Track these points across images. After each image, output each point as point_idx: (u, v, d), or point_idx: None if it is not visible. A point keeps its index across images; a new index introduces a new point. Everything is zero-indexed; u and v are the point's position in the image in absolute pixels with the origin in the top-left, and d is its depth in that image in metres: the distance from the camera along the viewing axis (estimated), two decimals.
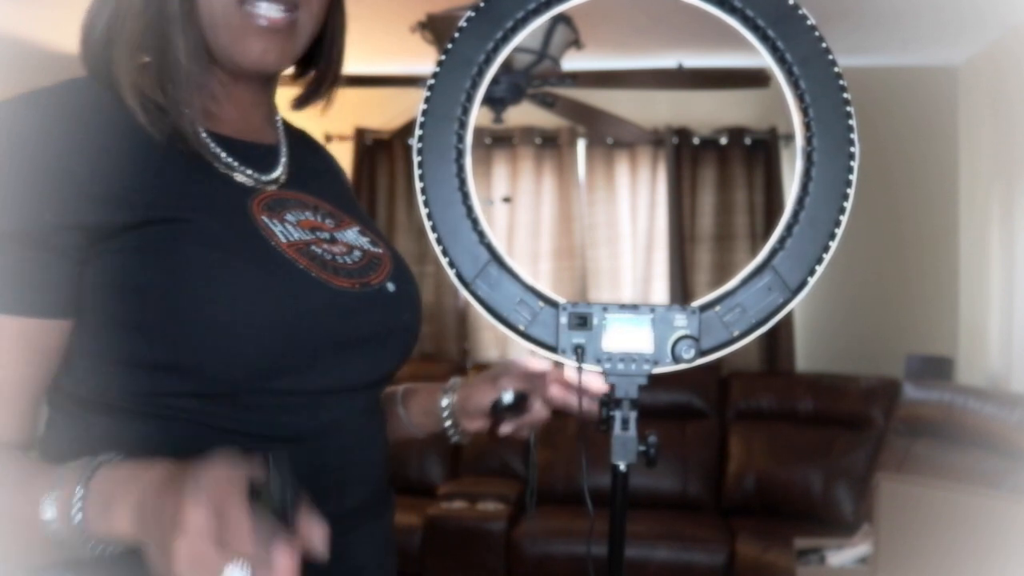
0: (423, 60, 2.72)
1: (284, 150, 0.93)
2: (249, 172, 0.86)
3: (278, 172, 0.90)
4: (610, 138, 4.38)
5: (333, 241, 0.88)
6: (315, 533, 0.58)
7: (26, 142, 0.74)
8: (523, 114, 3.68)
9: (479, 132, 4.30)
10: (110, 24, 0.82)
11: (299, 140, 0.99)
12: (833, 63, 0.79)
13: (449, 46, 0.82)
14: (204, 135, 0.84)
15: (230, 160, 0.85)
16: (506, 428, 0.98)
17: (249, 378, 0.76)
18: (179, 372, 0.75)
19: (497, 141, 4.48)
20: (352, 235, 0.92)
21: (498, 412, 0.96)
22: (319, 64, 0.95)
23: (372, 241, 0.94)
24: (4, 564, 0.72)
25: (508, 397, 0.94)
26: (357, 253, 0.89)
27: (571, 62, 2.98)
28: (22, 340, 0.73)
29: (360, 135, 4.54)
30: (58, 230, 0.73)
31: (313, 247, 0.85)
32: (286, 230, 0.83)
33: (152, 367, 0.75)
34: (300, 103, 0.96)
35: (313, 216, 0.89)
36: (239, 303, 0.76)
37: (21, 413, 0.75)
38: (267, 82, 0.92)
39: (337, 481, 0.83)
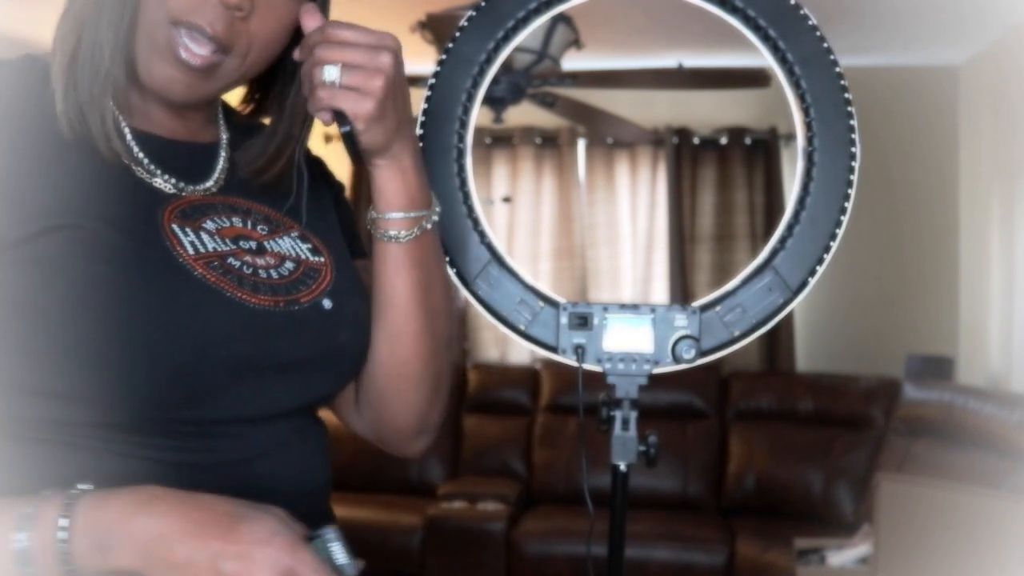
0: (423, 60, 2.71)
1: (223, 152, 0.83)
2: (170, 178, 0.77)
3: (211, 179, 0.80)
4: (610, 138, 4.38)
5: (259, 251, 0.78)
6: None
7: None
8: (523, 114, 3.68)
9: (479, 132, 4.29)
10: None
11: (239, 129, 0.86)
12: (834, 63, 0.79)
13: (449, 46, 0.82)
14: (128, 135, 0.76)
15: (151, 165, 0.76)
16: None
17: (151, 407, 0.69)
18: (74, 400, 0.67)
19: (497, 141, 4.48)
20: (288, 243, 0.81)
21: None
22: (271, 112, 0.83)
23: (313, 249, 0.82)
24: None
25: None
26: (289, 265, 0.79)
27: (571, 62, 2.97)
28: None
29: None
30: None
31: (231, 259, 0.75)
32: (198, 240, 0.74)
33: (44, 394, 0.67)
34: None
35: (242, 223, 0.79)
36: (135, 325, 0.67)
37: None
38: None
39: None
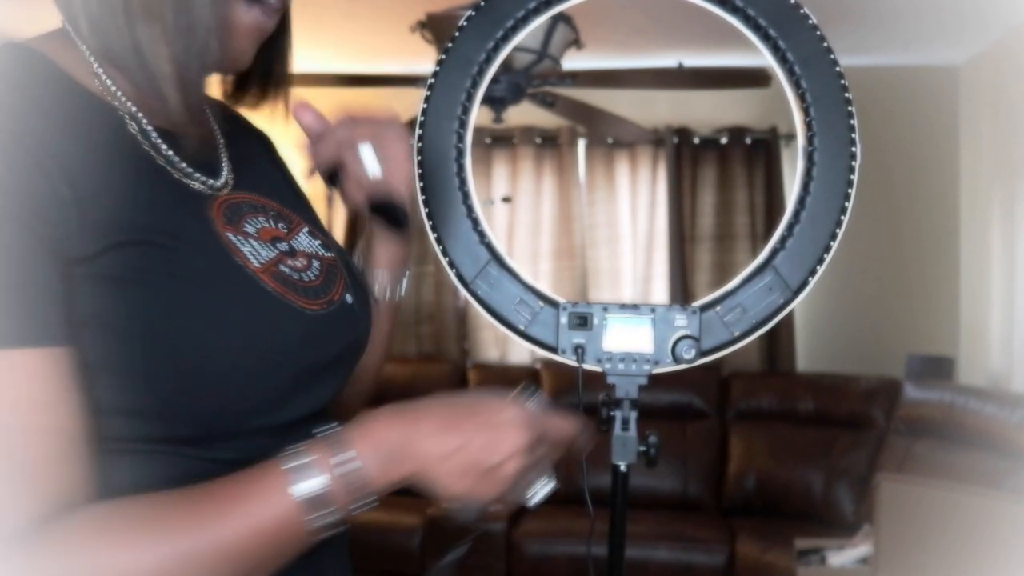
0: (423, 60, 2.72)
1: (222, 141, 0.82)
2: (201, 176, 0.76)
3: (224, 174, 0.79)
4: (610, 138, 4.38)
5: (293, 253, 0.79)
6: None
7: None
8: (523, 114, 3.68)
9: (479, 132, 4.29)
10: None
11: (229, 121, 0.87)
12: (835, 63, 0.78)
13: (449, 45, 0.82)
14: (153, 133, 0.73)
15: (182, 163, 0.74)
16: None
17: (225, 419, 0.69)
18: (146, 417, 0.66)
19: (497, 141, 4.48)
20: (305, 241, 0.82)
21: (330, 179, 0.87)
22: (268, 64, 0.83)
23: (323, 244, 0.84)
24: None
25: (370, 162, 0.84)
26: (315, 264, 0.80)
27: (571, 62, 2.97)
28: (57, 372, 0.61)
29: None
30: (43, 239, 0.61)
31: (281, 266, 0.76)
32: (254, 249, 0.74)
33: (111, 411, 0.65)
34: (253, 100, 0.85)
35: (268, 222, 0.80)
36: (219, 343, 0.67)
37: (89, 461, 0.63)
38: None
39: None
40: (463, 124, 0.82)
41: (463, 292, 0.82)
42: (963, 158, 4.09)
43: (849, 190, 0.78)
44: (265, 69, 0.82)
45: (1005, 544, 1.91)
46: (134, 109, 0.72)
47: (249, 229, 0.76)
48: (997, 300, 3.69)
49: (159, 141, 0.73)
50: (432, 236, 0.83)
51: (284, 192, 0.87)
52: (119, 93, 0.71)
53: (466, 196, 0.82)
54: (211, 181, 0.76)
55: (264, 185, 0.84)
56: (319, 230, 0.86)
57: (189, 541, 0.62)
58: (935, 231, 4.16)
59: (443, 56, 0.82)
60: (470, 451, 0.70)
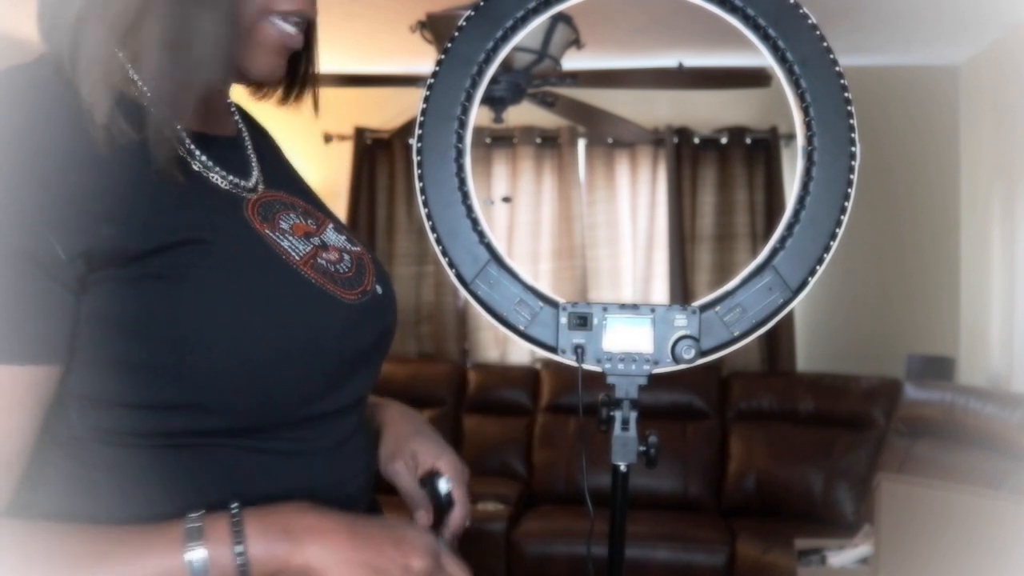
0: (423, 60, 2.72)
1: (249, 143, 0.85)
2: (233, 179, 0.78)
3: (253, 174, 0.81)
4: (610, 138, 4.38)
5: (325, 247, 0.81)
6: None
7: (8, 144, 0.62)
8: (523, 114, 3.68)
9: (479, 132, 4.29)
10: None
11: (250, 125, 0.89)
12: (834, 62, 0.78)
13: (449, 45, 0.82)
14: (187, 139, 0.75)
15: (215, 166, 0.76)
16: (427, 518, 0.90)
17: (278, 410, 0.72)
18: (203, 411, 0.68)
19: (497, 141, 4.48)
20: (333, 236, 0.85)
21: (438, 499, 0.90)
22: (294, 65, 0.85)
23: (348, 239, 0.87)
24: None
25: (444, 487, 0.89)
26: (347, 258, 0.83)
27: (571, 62, 2.97)
28: (22, 392, 0.62)
29: (360, 135, 4.53)
30: (60, 255, 0.62)
31: (318, 258, 0.78)
32: (292, 244, 0.77)
33: (164, 407, 0.67)
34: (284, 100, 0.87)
35: (298, 218, 0.82)
36: (269, 334, 0.69)
37: (17, 477, 0.65)
38: None
39: (349, 495, 0.80)
40: (463, 124, 0.82)
41: (463, 292, 0.81)
42: (963, 158, 4.09)
43: (849, 190, 0.78)
44: (291, 70, 0.84)
45: (1005, 544, 1.91)
46: (168, 113, 0.72)
47: (284, 225, 0.78)
48: (997, 300, 3.69)
49: (193, 147, 0.75)
50: (432, 236, 0.83)
51: (305, 189, 0.90)
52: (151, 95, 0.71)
53: (466, 196, 0.82)
54: (243, 182, 0.79)
55: (288, 183, 0.87)
56: (341, 226, 0.89)
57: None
58: (935, 231, 4.16)
59: (443, 56, 0.82)
60: (375, 558, 0.69)
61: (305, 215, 0.84)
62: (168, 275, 0.66)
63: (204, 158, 0.76)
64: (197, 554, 0.64)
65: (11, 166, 0.62)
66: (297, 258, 0.76)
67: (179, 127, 0.74)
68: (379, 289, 0.84)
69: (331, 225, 0.86)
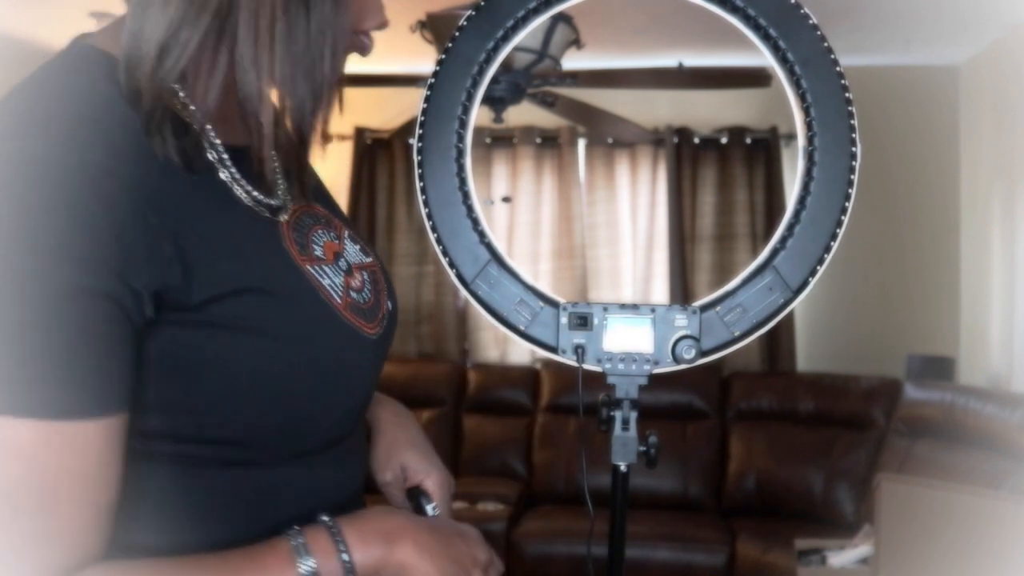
0: (423, 60, 2.71)
1: (272, 153, 0.81)
2: (267, 202, 0.76)
3: (281, 191, 0.79)
4: (610, 138, 4.38)
5: (350, 271, 0.81)
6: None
7: (67, 170, 0.60)
8: (523, 114, 3.68)
9: (479, 132, 4.29)
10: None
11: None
12: (835, 62, 0.78)
13: (449, 45, 0.82)
14: (226, 156, 0.73)
15: (256, 194, 0.74)
16: None
17: (317, 443, 0.75)
18: (242, 447, 0.71)
19: (497, 141, 4.48)
20: (351, 250, 0.84)
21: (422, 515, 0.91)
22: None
23: (363, 248, 0.87)
24: None
25: (430, 512, 0.90)
26: (366, 278, 0.83)
27: (571, 62, 2.97)
28: (116, 441, 0.62)
29: (360, 135, 4.54)
30: (142, 294, 0.61)
31: (351, 293, 0.79)
32: (332, 281, 0.77)
33: (210, 442, 0.69)
34: None
35: (326, 234, 0.82)
36: (314, 384, 0.72)
37: (110, 527, 0.64)
38: None
39: (348, 497, 0.82)
40: (463, 124, 0.82)
41: (463, 292, 0.81)
42: (963, 158, 4.09)
43: (849, 190, 0.78)
44: None
45: (1005, 544, 1.91)
46: (208, 128, 0.71)
47: (318, 251, 0.78)
48: (997, 300, 3.69)
49: (234, 170, 0.73)
50: (432, 236, 0.83)
51: (318, 191, 0.87)
52: (198, 113, 0.70)
53: (466, 196, 0.82)
54: (274, 203, 0.77)
55: (307, 190, 0.84)
56: (352, 229, 0.89)
57: None
58: (935, 231, 4.16)
59: (443, 56, 0.82)
60: (453, 551, 0.75)
61: (327, 226, 0.83)
62: (227, 325, 0.67)
63: (244, 182, 0.74)
64: (309, 567, 0.68)
65: (96, 202, 0.60)
66: (338, 301, 0.77)
67: (218, 141, 0.73)
68: (390, 305, 0.86)
69: (347, 233, 0.86)
